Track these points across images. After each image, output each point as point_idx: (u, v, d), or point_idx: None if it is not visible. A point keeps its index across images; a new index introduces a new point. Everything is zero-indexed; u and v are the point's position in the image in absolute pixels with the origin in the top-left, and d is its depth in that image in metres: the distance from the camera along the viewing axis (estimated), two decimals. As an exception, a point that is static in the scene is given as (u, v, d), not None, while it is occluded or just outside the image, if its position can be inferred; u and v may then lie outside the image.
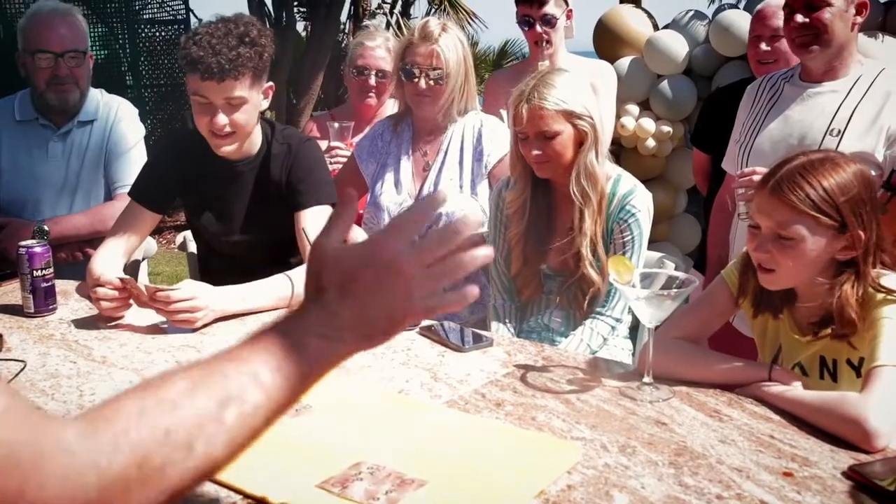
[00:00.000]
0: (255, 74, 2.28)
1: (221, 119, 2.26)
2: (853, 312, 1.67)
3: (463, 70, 2.71)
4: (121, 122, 3.07)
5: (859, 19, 2.37)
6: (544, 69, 2.47)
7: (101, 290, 2.16)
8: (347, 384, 1.77)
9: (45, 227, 2.71)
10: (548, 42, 3.16)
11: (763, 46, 3.05)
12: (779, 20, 2.98)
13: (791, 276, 1.73)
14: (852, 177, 1.69)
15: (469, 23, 13.03)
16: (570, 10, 3.24)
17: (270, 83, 2.38)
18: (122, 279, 2.17)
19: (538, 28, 3.15)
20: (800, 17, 2.35)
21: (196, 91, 2.25)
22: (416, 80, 2.68)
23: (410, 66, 2.69)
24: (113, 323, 2.17)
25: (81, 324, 2.18)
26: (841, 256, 1.70)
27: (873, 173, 1.75)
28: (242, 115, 2.30)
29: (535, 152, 2.29)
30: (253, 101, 2.31)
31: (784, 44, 2.95)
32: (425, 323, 2.13)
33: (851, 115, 2.35)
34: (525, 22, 3.18)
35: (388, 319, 0.95)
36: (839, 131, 2.35)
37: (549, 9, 3.14)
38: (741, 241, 2.34)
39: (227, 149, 2.36)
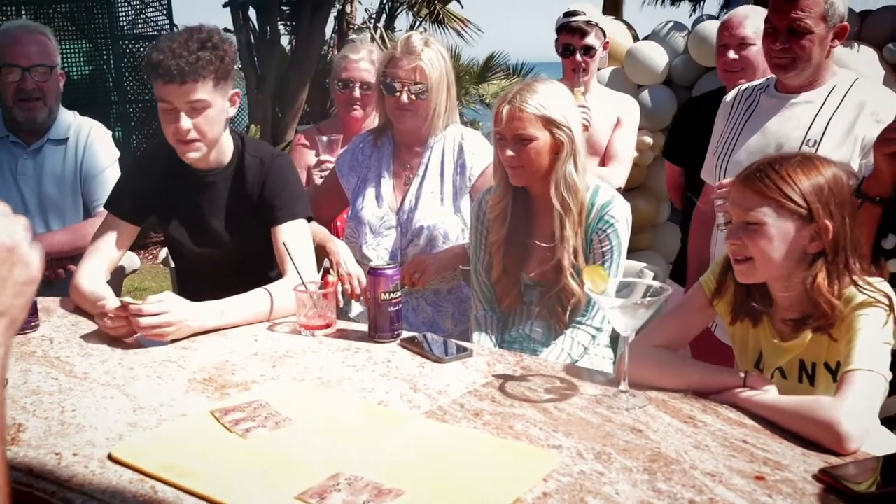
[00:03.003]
0: (217, 78, 2.29)
1: (185, 123, 2.28)
2: (829, 302, 1.70)
3: (445, 85, 2.73)
4: (94, 143, 3.09)
5: (837, 43, 2.41)
6: (538, 78, 2.50)
7: (109, 321, 2.14)
8: (327, 396, 1.79)
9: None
10: (584, 70, 3.37)
11: (731, 55, 3.08)
12: (745, 29, 3.04)
13: (764, 266, 1.76)
14: (824, 173, 1.73)
15: (463, 30, 13.06)
16: (607, 43, 3.47)
17: (237, 90, 2.41)
18: (123, 304, 2.16)
19: (578, 57, 3.36)
20: (778, 42, 2.38)
21: (160, 97, 2.27)
22: (398, 94, 2.71)
23: (392, 80, 2.71)
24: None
25: (64, 340, 2.18)
26: (811, 249, 1.73)
27: (845, 178, 1.77)
28: (206, 121, 2.31)
29: (510, 153, 2.31)
30: (217, 106, 2.32)
31: (752, 52, 3.00)
32: (407, 335, 2.15)
33: (827, 126, 2.39)
34: (566, 49, 3.39)
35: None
36: (815, 141, 2.39)
37: (590, 40, 3.37)
38: (721, 250, 2.37)
39: (193, 155, 2.36)
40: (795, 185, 1.71)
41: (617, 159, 3.49)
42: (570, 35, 3.37)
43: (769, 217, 1.72)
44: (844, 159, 2.32)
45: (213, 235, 2.49)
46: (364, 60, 3.31)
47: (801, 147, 2.40)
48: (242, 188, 2.46)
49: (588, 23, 3.37)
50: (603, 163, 3.52)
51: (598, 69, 3.54)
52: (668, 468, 1.43)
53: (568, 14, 3.41)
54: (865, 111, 2.38)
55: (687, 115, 3.47)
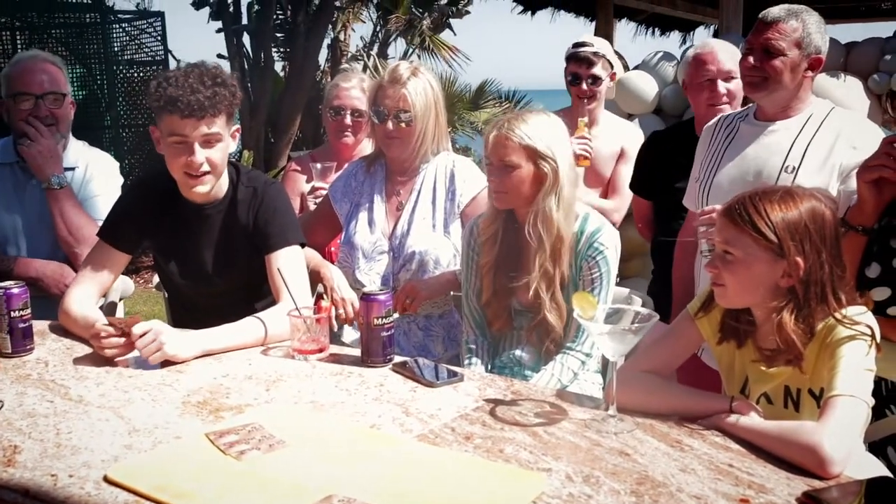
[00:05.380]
0: (229, 113, 2.37)
1: (199, 156, 2.32)
2: (791, 339, 1.74)
3: (433, 113, 2.77)
4: (101, 174, 3.12)
5: (810, 73, 2.48)
6: (532, 109, 2.55)
7: (105, 341, 2.17)
8: (320, 420, 1.82)
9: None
10: (591, 98, 3.50)
11: (719, 88, 3.13)
12: (715, 65, 3.11)
13: (737, 294, 1.81)
14: (801, 207, 1.77)
15: (453, 58, 13.16)
16: (614, 74, 3.59)
17: (237, 126, 2.46)
18: (110, 323, 2.19)
19: (584, 86, 3.49)
20: (752, 59, 2.46)
21: (173, 131, 2.31)
22: (385, 122, 2.75)
23: (380, 108, 2.76)
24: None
25: (59, 363, 2.20)
26: (783, 284, 1.77)
27: (828, 212, 1.81)
28: (218, 154, 2.37)
29: (493, 179, 2.36)
30: (226, 140, 2.39)
31: (734, 84, 3.07)
32: (398, 359, 2.18)
33: (805, 153, 2.45)
34: (574, 78, 3.52)
35: None
36: (794, 168, 2.44)
37: (597, 70, 3.50)
38: (706, 277, 2.42)
39: (202, 189, 2.40)
40: (769, 221, 1.75)
41: (620, 192, 3.57)
42: (578, 64, 3.51)
43: (743, 249, 1.77)
44: (822, 185, 2.38)
45: (206, 268, 2.52)
46: (355, 88, 3.36)
47: (779, 173, 2.46)
48: (237, 219, 2.49)
49: (595, 53, 3.50)
50: (605, 194, 3.58)
51: (606, 98, 3.66)
52: (656, 491, 1.46)
53: (577, 45, 3.55)
54: (842, 138, 2.44)
55: (652, 149, 3.49)
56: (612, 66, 3.58)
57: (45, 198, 2.96)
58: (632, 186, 3.57)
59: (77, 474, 1.55)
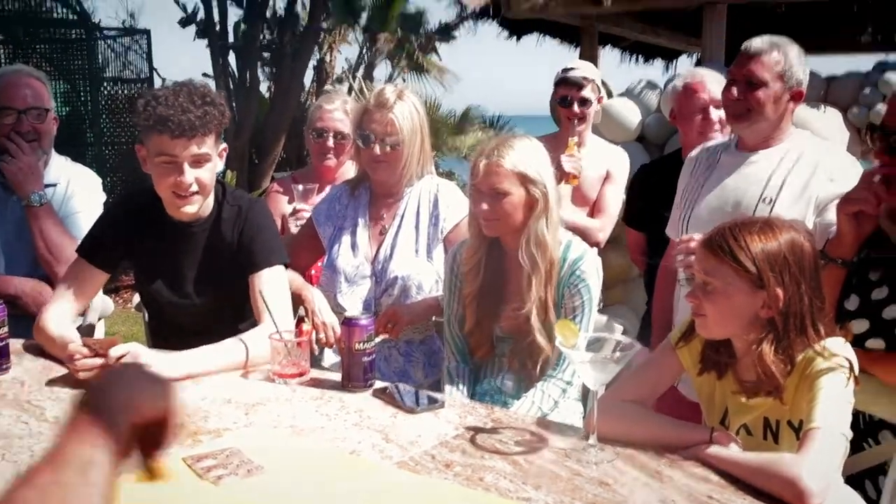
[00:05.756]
0: (218, 133, 2.35)
1: (188, 176, 2.30)
2: (770, 370, 1.74)
3: (419, 137, 2.78)
4: (83, 191, 3.10)
5: (792, 105, 2.52)
6: (515, 135, 2.56)
7: (80, 363, 2.13)
8: (300, 445, 1.80)
9: None
10: (580, 120, 3.57)
11: (712, 116, 3.17)
12: (706, 93, 3.14)
13: (717, 324, 1.82)
14: (781, 239, 1.78)
15: (439, 80, 13.24)
16: (601, 97, 3.69)
17: (224, 145, 2.44)
18: (85, 344, 2.16)
19: (575, 108, 3.56)
20: (735, 91, 2.49)
21: (162, 151, 2.29)
22: (372, 146, 2.75)
23: (366, 132, 2.76)
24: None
25: (35, 384, 2.17)
26: (762, 314, 1.78)
27: (807, 243, 1.83)
28: (207, 174, 2.35)
29: (484, 207, 2.36)
30: (214, 159, 2.37)
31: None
32: (379, 385, 2.17)
33: (782, 184, 2.48)
34: (563, 100, 3.59)
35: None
36: (771, 199, 2.46)
37: (586, 93, 3.58)
38: (685, 306, 2.42)
39: (189, 209, 2.38)
40: (749, 252, 1.76)
41: (605, 213, 3.61)
42: (568, 88, 3.59)
43: (722, 280, 1.78)
44: (799, 217, 2.39)
45: (189, 287, 2.50)
46: (338, 111, 3.37)
47: (757, 204, 2.48)
48: (221, 237, 2.47)
49: (585, 77, 3.58)
50: (591, 215, 3.61)
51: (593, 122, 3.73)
52: (635, 522, 1.46)
53: (566, 70, 3.63)
54: (819, 171, 2.47)
55: (643, 181, 3.56)
56: (600, 91, 3.66)
57: (26, 215, 2.94)
58: (625, 219, 3.62)
59: (51, 498, 1.52)
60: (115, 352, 2.11)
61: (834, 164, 2.49)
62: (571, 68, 3.63)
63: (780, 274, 1.76)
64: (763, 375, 1.76)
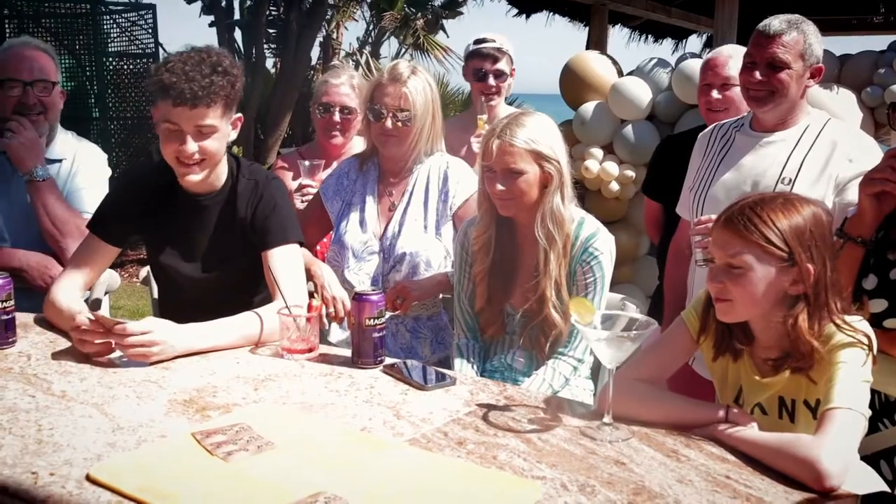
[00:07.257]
0: (227, 104, 2.29)
1: (191, 146, 2.26)
2: (809, 344, 1.71)
3: (430, 112, 2.75)
4: (88, 167, 3.06)
5: (812, 82, 2.48)
6: (525, 111, 2.52)
7: (84, 334, 2.11)
8: (310, 421, 1.78)
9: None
10: (496, 93, 3.49)
11: (714, 94, 3.13)
12: (729, 70, 3.08)
13: (744, 307, 1.78)
14: (804, 214, 1.75)
15: (445, 58, 13.17)
16: (514, 70, 3.59)
17: (239, 115, 2.39)
18: (92, 317, 2.13)
19: (490, 81, 3.48)
20: (758, 75, 2.44)
21: (166, 118, 2.24)
22: (384, 120, 2.72)
23: (378, 106, 2.72)
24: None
25: (42, 357, 2.15)
26: (792, 291, 1.75)
27: (825, 216, 1.80)
28: (213, 143, 2.30)
29: (500, 187, 2.32)
30: (223, 130, 2.31)
31: (735, 92, 3.03)
32: (389, 361, 2.15)
33: (801, 164, 2.44)
34: (476, 74, 3.50)
35: None
36: (790, 180, 2.43)
37: (501, 65, 3.51)
38: (699, 285, 2.39)
39: (194, 178, 2.33)
40: (777, 230, 1.73)
41: None
42: (482, 60, 3.50)
43: (752, 261, 1.74)
44: (819, 197, 2.36)
45: (202, 260, 2.46)
46: (344, 85, 3.32)
47: (776, 184, 2.44)
48: (235, 211, 2.43)
49: (499, 49, 3.50)
50: None
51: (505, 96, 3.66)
52: (652, 502, 1.43)
53: (479, 41, 3.54)
54: (838, 151, 2.44)
55: (666, 153, 3.51)
56: (512, 63, 3.56)
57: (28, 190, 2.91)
58: (644, 189, 3.57)
59: (58, 472, 1.50)
60: (136, 327, 2.08)
61: (852, 143, 2.46)
62: (484, 39, 3.52)
63: (809, 249, 1.73)
64: (800, 349, 1.73)
